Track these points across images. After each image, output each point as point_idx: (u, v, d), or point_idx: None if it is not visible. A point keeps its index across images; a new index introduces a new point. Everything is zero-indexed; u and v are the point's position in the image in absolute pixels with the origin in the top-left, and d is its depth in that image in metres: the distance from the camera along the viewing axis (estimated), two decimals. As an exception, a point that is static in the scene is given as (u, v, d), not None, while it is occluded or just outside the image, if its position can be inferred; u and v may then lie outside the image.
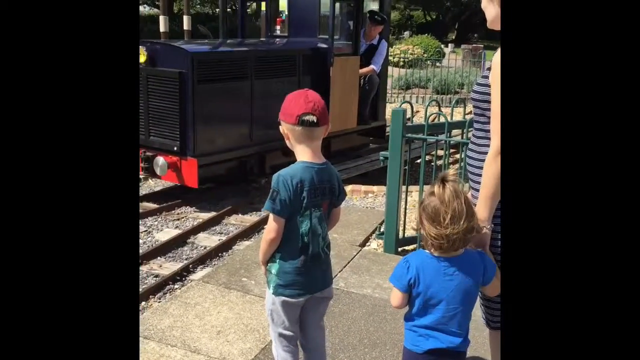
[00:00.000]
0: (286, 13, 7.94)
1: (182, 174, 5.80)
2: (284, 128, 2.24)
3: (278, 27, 8.00)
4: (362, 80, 7.67)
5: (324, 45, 7.09)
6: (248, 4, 9.11)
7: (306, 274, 2.27)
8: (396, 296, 2.02)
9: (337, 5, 7.49)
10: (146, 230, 5.41)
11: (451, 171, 1.97)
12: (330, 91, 6.91)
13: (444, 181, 1.94)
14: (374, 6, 8.51)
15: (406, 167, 4.49)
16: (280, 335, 2.34)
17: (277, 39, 7.97)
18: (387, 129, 9.03)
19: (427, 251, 2.02)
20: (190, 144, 5.76)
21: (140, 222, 5.50)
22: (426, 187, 2.01)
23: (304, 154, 2.23)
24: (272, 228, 2.20)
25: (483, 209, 2.00)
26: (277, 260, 2.26)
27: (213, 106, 5.92)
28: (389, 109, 11.15)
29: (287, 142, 2.27)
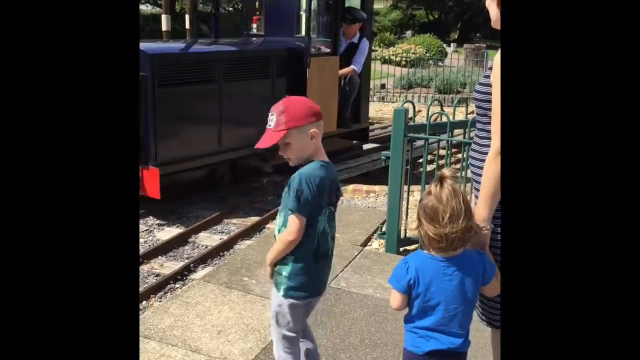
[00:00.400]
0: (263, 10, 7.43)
1: (143, 183, 5.44)
2: (315, 129, 2.17)
3: (255, 26, 7.51)
4: (342, 81, 7.30)
5: (301, 45, 6.65)
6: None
7: (316, 275, 2.25)
8: (396, 298, 2.01)
9: (315, 1, 7.09)
10: (147, 230, 5.40)
11: (447, 170, 1.96)
12: (307, 94, 6.39)
13: (442, 180, 1.93)
14: (356, 2, 8.01)
15: (408, 167, 4.47)
16: (284, 337, 2.33)
17: (254, 38, 7.45)
18: (386, 131, 9.01)
19: (426, 252, 2.01)
20: (151, 152, 5.40)
21: (141, 221, 5.49)
22: (427, 187, 2.01)
23: (321, 152, 2.23)
24: (295, 229, 2.13)
25: (483, 209, 1.99)
26: (290, 262, 2.21)
27: (177, 111, 5.55)
28: (391, 108, 11.16)
29: (298, 151, 2.19)
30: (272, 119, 2.17)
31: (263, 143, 2.17)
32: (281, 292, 2.25)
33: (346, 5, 7.50)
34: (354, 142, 8.14)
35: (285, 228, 2.19)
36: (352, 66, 7.35)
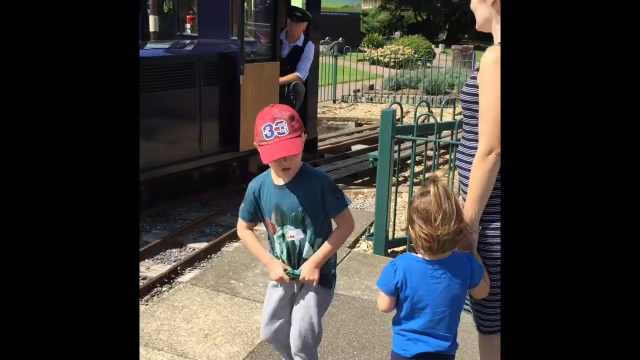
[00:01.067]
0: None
1: None
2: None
3: (188, 26, 6.47)
4: (286, 89, 6.50)
5: (234, 48, 5.78)
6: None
7: None
8: (383, 300, 2.00)
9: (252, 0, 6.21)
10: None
11: (440, 172, 1.96)
12: (240, 104, 5.77)
13: (434, 182, 1.92)
14: (298, 2, 7.14)
15: (396, 168, 4.47)
16: (321, 332, 2.42)
17: (187, 41, 6.37)
18: (374, 132, 8.87)
19: (414, 254, 2.00)
20: None
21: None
22: (416, 188, 2.00)
23: None
24: (353, 221, 2.29)
25: (471, 211, 1.98)
26: (334, 258, 2.35)
27: None
28: (379, 109, 11.16)
29: (299, 159, 2.19)
30: (282, 126, 2.08)
31: (284, 151, 2.08)
32: (332, 288, 2.38)
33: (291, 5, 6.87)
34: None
35: (320, 238, 2.24)
36: (296, 73, 6.59)
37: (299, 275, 2.24)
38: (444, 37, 32.05)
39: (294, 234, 2.23)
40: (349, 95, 13.95)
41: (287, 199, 2.20)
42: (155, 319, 3.31)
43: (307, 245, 2.25)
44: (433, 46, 22.44)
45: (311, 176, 2.21)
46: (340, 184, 6.95)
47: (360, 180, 7.62)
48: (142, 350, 2.99)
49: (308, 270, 2.23)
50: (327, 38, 23.18)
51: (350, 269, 4.11)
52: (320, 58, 14.78)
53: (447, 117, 5.52)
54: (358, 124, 11.69)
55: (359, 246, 4.72)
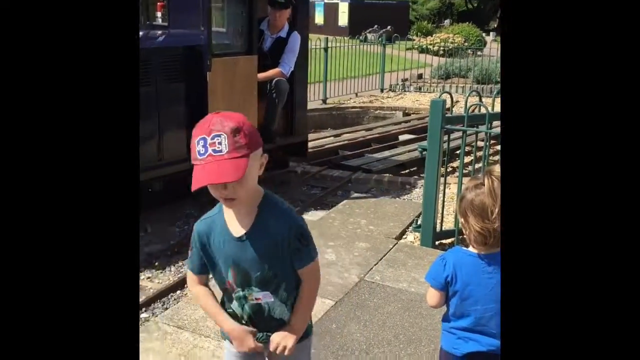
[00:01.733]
0: None
1: None
2: (264, 154, 1.69)
3: (159, 14, 5.68)
4: (268, 86, 5.69)
5: (200, 40, 4.91)
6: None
7: None
8: (433, 295, 1.96)
9: None
10: (185, 219, 5.43)
11: (497, 166, 1.90)
12: (208, 105, 4.94)
13: (491, 175, 1.87)
14: None
15: (445, 159, 4.39)
16: None
17: (156, 31, 5.28)
18: (423, 122, 8.78)
19: (464, 248, 1.95)
20: None
21: (179, 208, 5.48)
22: (465, 179, 1.95)
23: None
24: (320, 276, 1.82)
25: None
26: None
27: None
28: (428, 98, 11.01)
29: (252, 185, 1.67)
30: (220, 141, 1.54)
31: (216, 175, 1.53)
32: (310, 333, 1.94)
33: None
34: (292, 158, 6.66)
35: (295, 291, 1.79)
36: (278, 68, 5.75)
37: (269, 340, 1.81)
38: (495, 25, 31.42)
39: (260, 296, 1.75)
40: (397, 84, 13.84)
41: (248, 255, 1.70)
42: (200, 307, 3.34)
43: (278, 307, 1.78)
44: (484, 34, 22.04)
45: (276, 212, 1.71)
46: (387, 174, 6.89)
47: (407, 171, 7.55)
48: (190, 337, 3.03)
49: (282, 338, 1.78)
50: (376, 26, 23.08)
51: (397, 260, 4.07)
52: (369, 47, 14.80)
53: (499, 107, 5.39)
54: (406, 114, 11.58)
55: (406, 237, 4.67)
